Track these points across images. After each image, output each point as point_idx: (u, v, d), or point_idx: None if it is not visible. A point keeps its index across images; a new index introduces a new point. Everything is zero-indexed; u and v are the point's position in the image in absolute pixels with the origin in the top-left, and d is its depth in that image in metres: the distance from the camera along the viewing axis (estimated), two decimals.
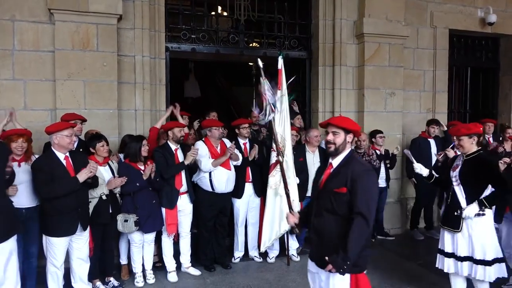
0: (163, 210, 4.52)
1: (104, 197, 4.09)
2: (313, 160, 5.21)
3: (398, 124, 6.45)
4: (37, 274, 4.05)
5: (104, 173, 4.16)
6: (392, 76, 6.33)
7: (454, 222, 3.63)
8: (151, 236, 4.50)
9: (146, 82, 5.39)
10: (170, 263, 4.64)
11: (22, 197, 3.79)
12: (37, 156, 3.95)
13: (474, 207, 3.52)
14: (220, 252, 5.03)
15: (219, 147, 4.85)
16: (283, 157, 4.72)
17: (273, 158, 4.84)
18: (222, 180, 4.75)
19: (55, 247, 3.68)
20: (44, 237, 3.73)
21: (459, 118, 7.47)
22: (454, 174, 3.69)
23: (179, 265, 4.75)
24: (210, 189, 4.72)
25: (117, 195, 4.32)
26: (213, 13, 6.43)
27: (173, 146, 4.59)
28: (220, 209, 4.86)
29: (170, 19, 5.85)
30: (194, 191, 4.78)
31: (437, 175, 4.01)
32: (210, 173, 4.72)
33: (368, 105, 6.24)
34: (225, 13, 6.63)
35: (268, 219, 4.87)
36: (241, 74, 11.04)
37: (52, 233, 3.67)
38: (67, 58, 4.86)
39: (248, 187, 5.07)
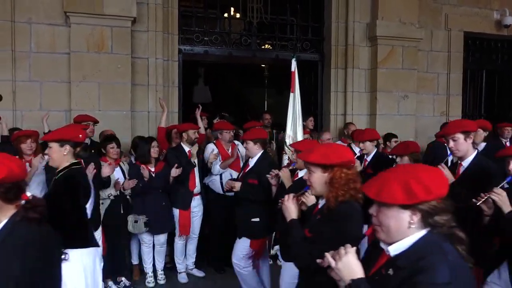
0: (176, 211, 4.54)
1: (112, 197, 4.14)
2: None
3: (411, 128, 6.38)
4: None
5: (115, 174, 4.22)
6: (405, 79, 6.27)
7: None
8: (163, 238, 4.52)
9: (159, 84, 5.44)
10: (181, 264, 4.67)
11: None
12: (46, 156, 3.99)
13: None
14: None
15: (230, 150, 4.87)
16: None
17: (285, 160, 4.84)
18: None
19: None
20: None
21: None
22: None
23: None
24: (221, 192, 4.73)
25: (128, 196, 4.37)
26: (226, 15, 6.46)
27: (186, 148, 4.61)
28: (230, 211, 4.87)
29: (183, 21, 5.90)
30: (206, 193, 4.81)
31: None
32: (221, 175, 4.75)
33: (380, 108, 6.20)
34: (237, 15, 6.66)
35: None
36: (253, 76, 11.04)
37: None
38: (82, 60, 4.94)
39: None
